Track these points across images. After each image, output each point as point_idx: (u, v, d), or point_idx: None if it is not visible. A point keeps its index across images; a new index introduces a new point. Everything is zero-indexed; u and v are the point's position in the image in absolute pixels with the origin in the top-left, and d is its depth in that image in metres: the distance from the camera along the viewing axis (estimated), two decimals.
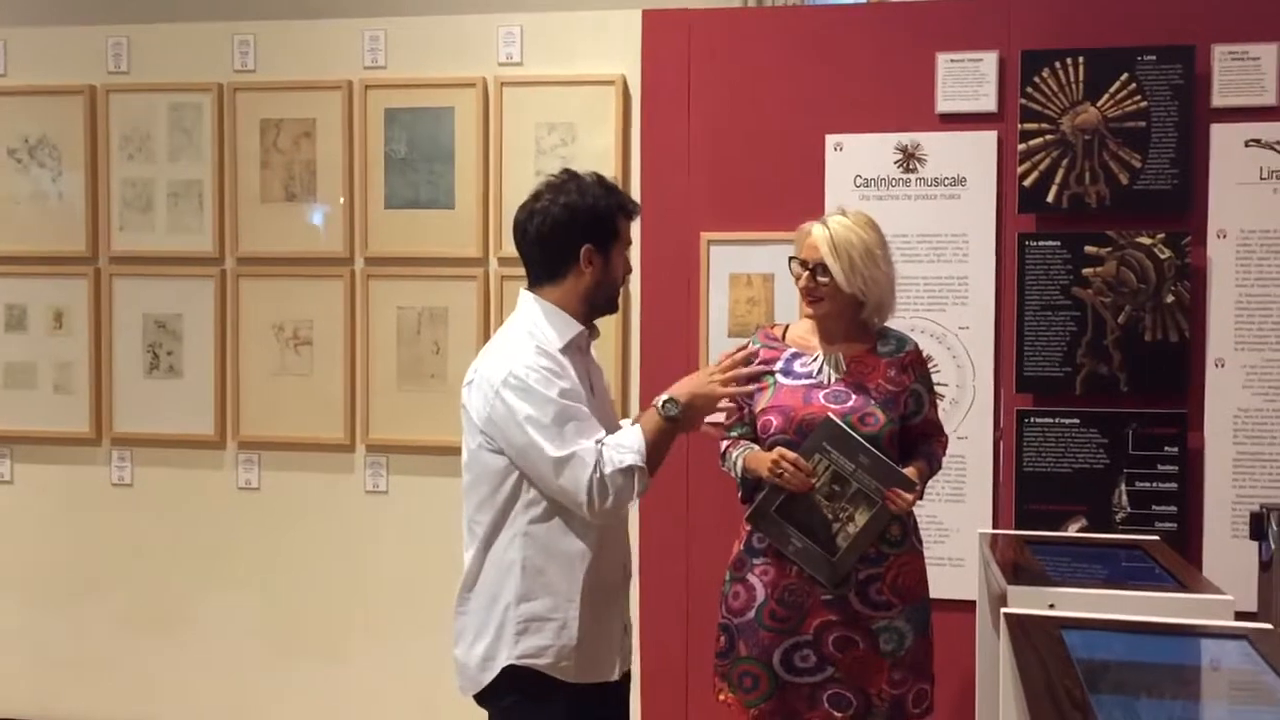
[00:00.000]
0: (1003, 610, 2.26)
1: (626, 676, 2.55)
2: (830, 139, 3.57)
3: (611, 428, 2.44)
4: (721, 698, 2.74)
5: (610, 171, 3.41)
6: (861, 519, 2.59)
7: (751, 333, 2.90)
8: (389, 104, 3.90)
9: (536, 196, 2.46)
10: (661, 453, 2.39)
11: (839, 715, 2.65)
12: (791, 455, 2.57)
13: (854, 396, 2.64)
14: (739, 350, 2.57)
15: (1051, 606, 2.36)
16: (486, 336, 3.84)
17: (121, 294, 4.09)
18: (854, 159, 3.56)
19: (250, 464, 4.04)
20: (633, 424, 2.43)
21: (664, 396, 2.41)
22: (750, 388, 2.60)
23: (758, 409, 2.69)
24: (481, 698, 2.46)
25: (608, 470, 2.30)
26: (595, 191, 2.44)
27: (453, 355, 3.88)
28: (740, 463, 2.69)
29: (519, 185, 3.80)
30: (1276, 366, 3.39)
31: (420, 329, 3.91)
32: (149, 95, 4.05)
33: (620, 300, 2.58)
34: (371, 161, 3.92)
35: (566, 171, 2.50)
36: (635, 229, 2.59)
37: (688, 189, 3.65)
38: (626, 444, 2.34)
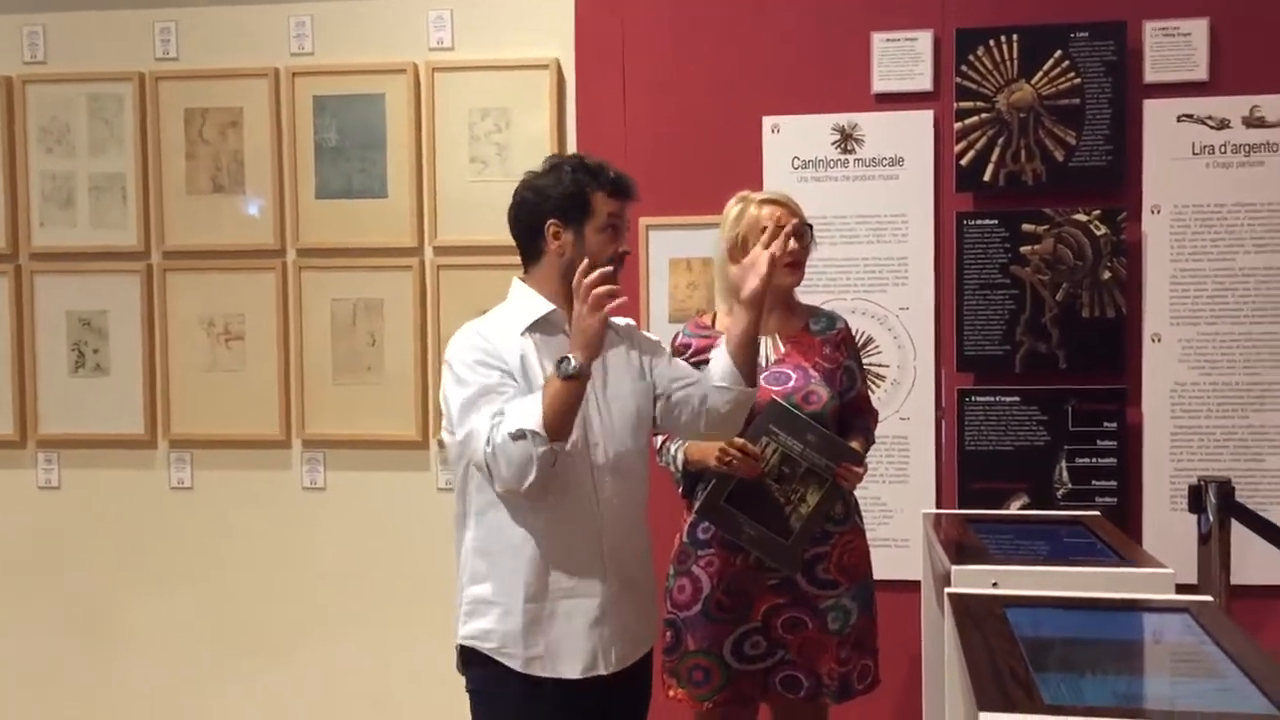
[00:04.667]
0: (947, 590, 2.25)
1: (630, 677, 2.45)
2: (767, 121, 3.55)
3: (615, 416, 2.40)
4: (671, 694, 2.71)
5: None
6: (813, 499, 2.58)
7: (692, 317, 2.88)
8: (318, 91, 3.81)
9: (520, 183, 2.48)
10: (566, 414, 2.26)
11: (791, 697, 2.65)
12: (739, 441, 2.54)
13: (795, 376, 2.64)
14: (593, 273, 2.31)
15: (995, 585, 2.35)
16: (424, 327, 3.78)
17: (44, 292, 3.96)
18: (791, 141, 3.54)
19: (183, 463, 3.94)
20: None
21: (560, 357, 2.29)
22: (611, 289, 2.27)
23: None
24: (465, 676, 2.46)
25: (498, 440, 2.24)
26: (566, 170, 2.42)
27: (389, 347, 3.80)
28: (680, 455, 2.65)
29: (453, 172, 3.76)
30: (1211, 340, 3.42)
31: (355, 321, 3.83)
32: (67, 86, 3.93)
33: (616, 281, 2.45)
34: (301, 150, 3.83)
35: (551, 156, 2.51)
36: None
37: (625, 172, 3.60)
38: (520, 410, 2.26)
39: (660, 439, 2.71)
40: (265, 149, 3.84)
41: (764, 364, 2.65)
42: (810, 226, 2.71)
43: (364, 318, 3.83)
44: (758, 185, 3.46)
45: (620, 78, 3.62)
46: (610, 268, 2.34)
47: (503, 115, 3.74)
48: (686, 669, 2.66)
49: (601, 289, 2.25)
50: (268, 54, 3.85)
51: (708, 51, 3.58)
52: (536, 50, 3.72)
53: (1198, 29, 3.38)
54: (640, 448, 2.46)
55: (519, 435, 2.23)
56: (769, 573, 2.61)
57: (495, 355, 2.35)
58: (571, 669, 2.37)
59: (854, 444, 2.65)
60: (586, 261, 2.30)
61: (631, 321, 2.61)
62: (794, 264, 2.65)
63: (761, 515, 2.58)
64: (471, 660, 2.41)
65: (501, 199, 2.51)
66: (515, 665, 2.36)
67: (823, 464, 2.56)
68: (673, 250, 3.59)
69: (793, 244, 2.61)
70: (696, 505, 2.64)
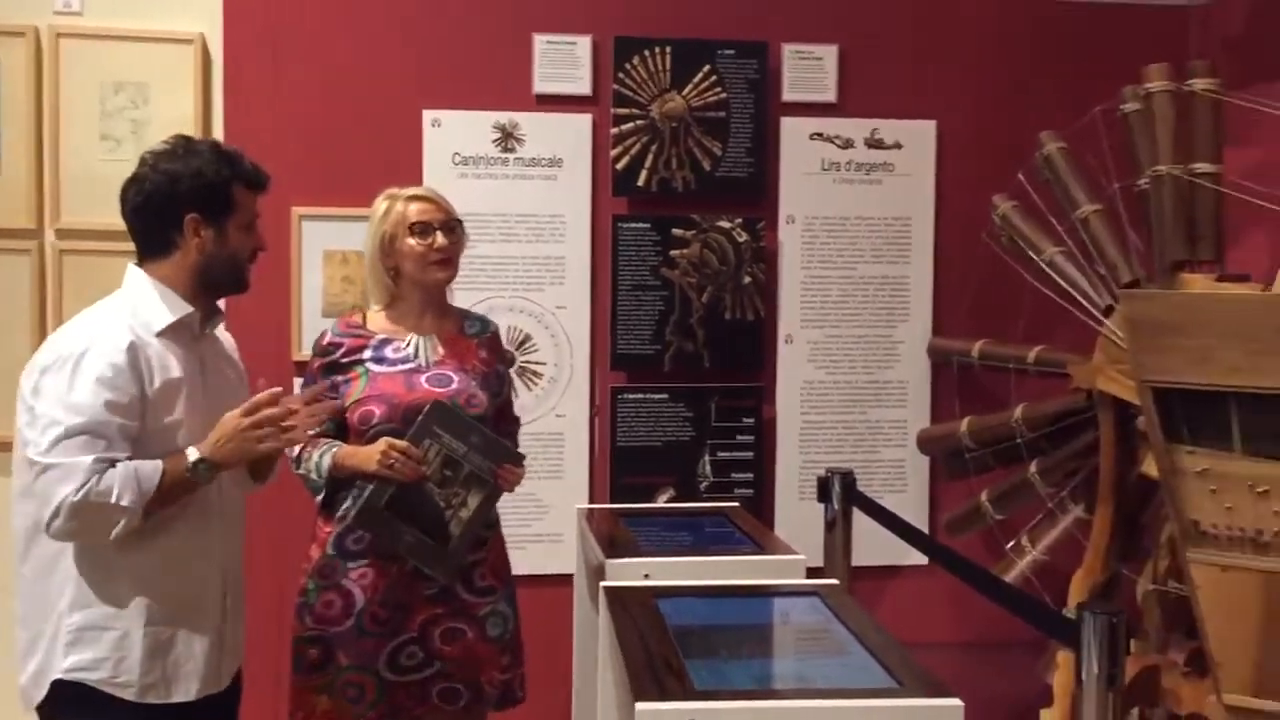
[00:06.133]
0: (602, 583, 2.32)
1: (228, 692, 2.37)
2: (428, 114, 3.50)
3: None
4: (300, 716, 2.57)
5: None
6: (474, 501, 2.53)
7: (345, 314, 2.78)
8: None
9: (141, 163, 2.26)
10: (169, 504, 2.18)
11: (449, 709, 2.60)
12: (401, 444, 2.46)
13: (456, 379, 2.59)
14: (278, 394, 2.25)
15: (646, 576, 2.45)
16: (42, 316, 3.44)
17: None
18: (452, 136, 3.52)
19: None
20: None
21: (196, 455, 2.17)
22: (292, 439, 2.28)
23: (348, 401, 2.55)
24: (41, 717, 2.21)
25: (96, 499, 2.07)
26: (206, 158, 2.25)
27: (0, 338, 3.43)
28: (326, 462, 2.52)
29: (80, 149, 3.45)
30: (836, 342, 3.73)
31: None
32: None
33: (249, 279, 2.38)
34: None
35: (180, 137, 2.30)
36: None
37: (277, 160, 3.38)
38: (132, 481, 2.11)
39: (297, 446, 2.55)
40: None
41: (425, 364, 2.61)
42: (460, 222, 2.66)
43: None
44: (417, 179, 3.43)
45: (272, 59, 3.45)
46: (325, 384, 2.42)
47: (140, 91, 3.47)
48: (340, 685, 2.54)
49: (272, 413, 2.19)
50: None
51: (368, 38, 3.48)
52: (180, 23, 3.47)
53: (829, 54, 3.66)
54: None
55: (117, 509, 2.09)
56: (426, 582, 2.55)
57: (129, 382, 2.15)
58: (188, 691, 2.25)
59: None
60: (279, 391, 2.22)
61: (229, 337, 2.52)
62: (444, 261, 2.60)
63: (421, 521, 2.50)
64: (62, 697, 2.17)
65: None
66: (128, 695, 2.18)
67: (485, 467, 2.53)
68: (327, 242, 3.47)
69: (442, 240, 2.59)
70: (352, 513, 2.52)
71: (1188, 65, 3.16)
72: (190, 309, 2.27)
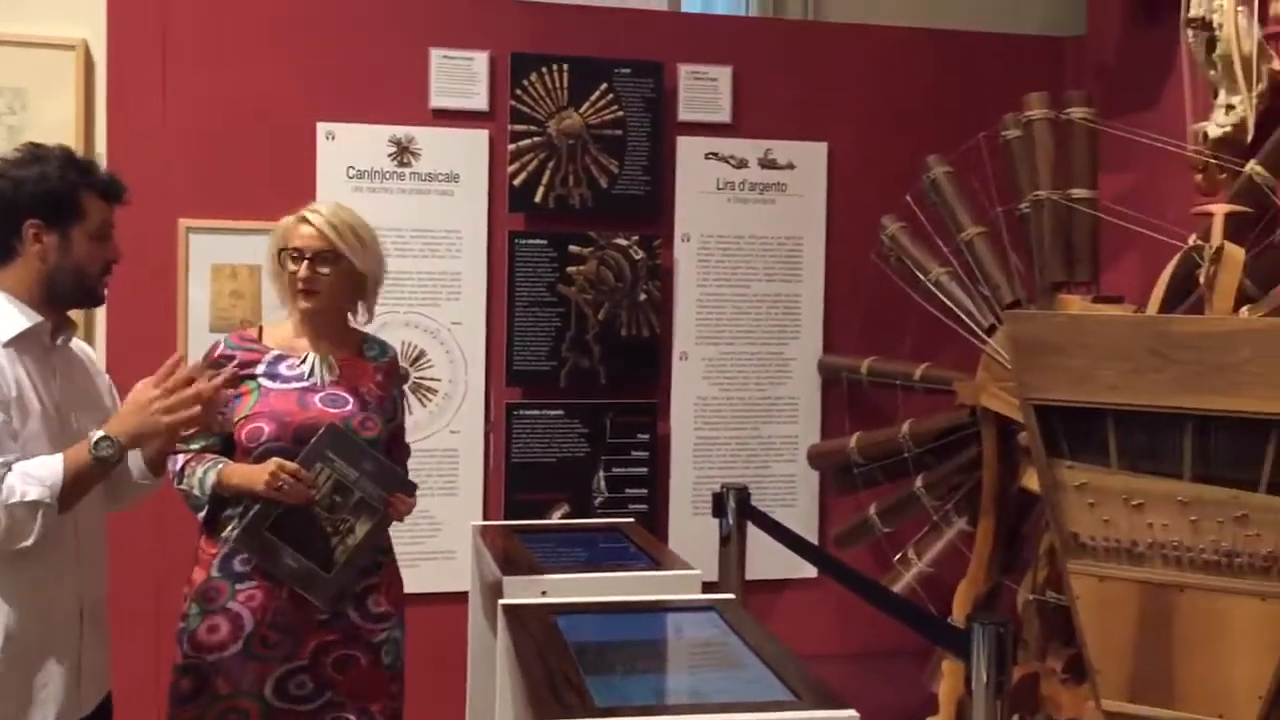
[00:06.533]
0: (500, 602, 2.31)
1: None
2: (322, 127, 3.46)
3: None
4: None
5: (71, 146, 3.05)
6: (362, 529, 2.47)
7: (236, 328, 2.72)
8: None
9: None
10: (83, 491, 2.12)
11: None
12: (291, 465, 2.39)
13: (352, 401, 2.53)
14: (182, 362, 2.21)
15: (544, 594, 2.45)
16: None
17: None
18: (347, 149, 3.48)
19: None
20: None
21: (99, 433, 2.11)
22: (190, 414, 2.19)
23: (237, 417, 2.47)
24: None
25: (7, 500, 2.02)
26: (53, 164, 2.18)
27: None
28: (210, 479, 2.44)
29: None
30: (730, 358, 3.78)
31: None
32: None
33: (103, 292, 2.31)
34: None
35: (31, 144, 2.23)
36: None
37: (164, 171, 3.35)
38: (39, 475, 2.06)
39: (181, 459, 2.48)
40: None
41: (320, 384, 2.54)
42: (341, 256, 2.51)
43: None
44: (310, 192, 3.39)
45: (160, 67, 3.37)
46: (231, 353, 2.32)
47: (18, 96, 3.35)
48: (217, 713, 2.46)
49: (187, 394, 2.14)
50: None
51: (261, 48, 3.42)
52: (61, 28, 3.37)
53: (723, 75, 3.72)
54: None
55: (32, 505, 2.03)
56: (318, 607, 2.50)
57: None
58: (45, 717, 2.17)
59: None
60: (179, 356, 2.18)
61: (88, 349, 2.45)
62: (305, 291, 2.51)
63: (306, 546, 2.44)
64: None
65: None
66: None
67: (376, 494, 2.47)
68: (216, 256, 3.40)
69: (305, 270, 2.49)
70: (235, 533, 2.46)
71: (1065, 94, 3.30)
72: (40, 319, 2.19)
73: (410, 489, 2.53)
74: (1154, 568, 2.33)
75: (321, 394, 2.52)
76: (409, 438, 2.80)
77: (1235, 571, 2.26)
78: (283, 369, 2.53)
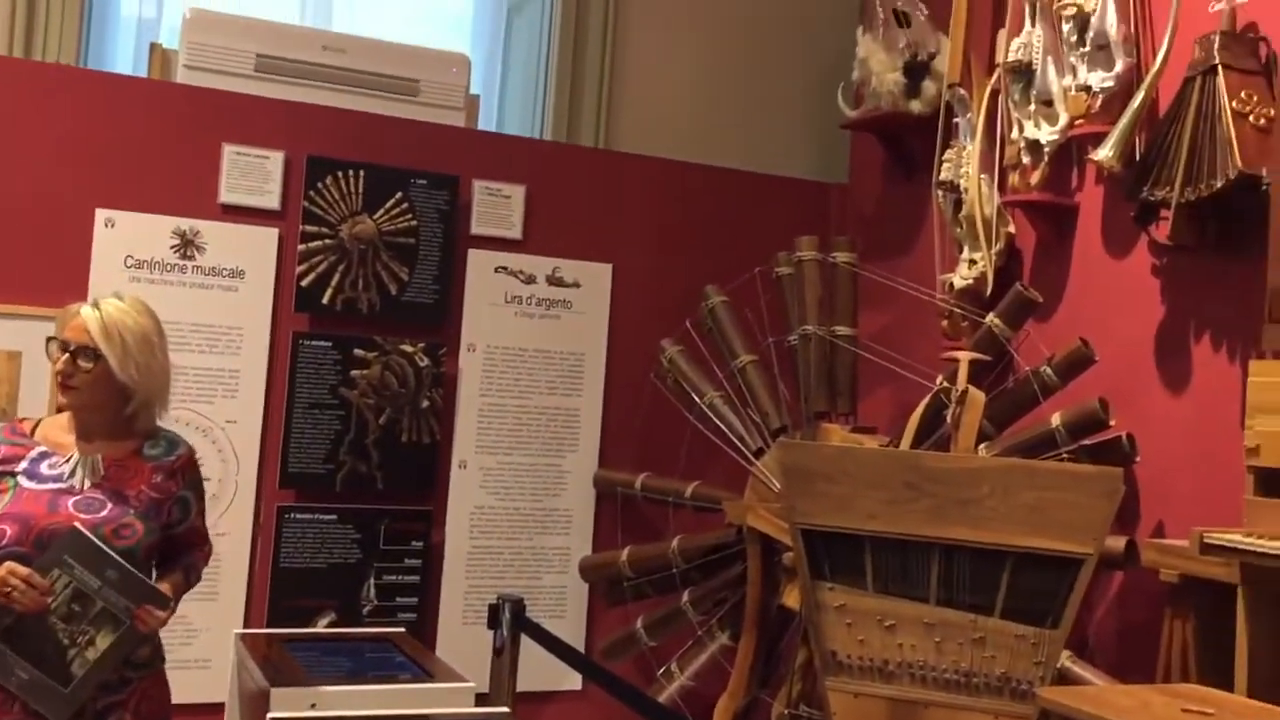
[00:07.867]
0: (269, 716, 2.26)
1: None
2: (101, 213, 3.35)
3: None
4: None
5: None
6: (104, 642, 2.33)
7: (14, 419, 2.57)
8: None
9: None
10: None
11: None
12: (24, 571, 2.25)
13: (110, 505, 2.39)
14: None
15: (313, 706, 2.41)
16: None
17: None
18: (127, 238, 3.38)
19: None
20: None
21: None
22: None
23: None
24: None
25: None
26: None
27: None
28: None
29: None
30: (509, 468, 3.83)
31: None
32: None
33: None
34: None
35: None
36: None
37: None
38: None
39: None
40: None
41: (78, 486, 2.40)
42: (92, 349, 2.39)
43: None
44: (84, 278, 3.27)
45: None
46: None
47: None
48: None
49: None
50: None
51: (39, 126, 3.30)
52: None
53: (517, 193, 3.84)
54: None
55: None
56: None
57: None
58: None
59: (166, 584, 2.44)
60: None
61: None
62: (64, 386, 2.40)
63: (39, 656, 2.29)
64: None
65: None
66: None
67: (122, 605, 2.34)
68: None
69: (64, 364, 2.38)
70: None
71: (832, 239, 3.59)
72: None
73: (162, 601, 2.38)
74: (903, 685, 2.50)
75: (76, 498, 2.38)
76: None
77: (973, 691, 2.45)
78: (44, 468, 2.40)
